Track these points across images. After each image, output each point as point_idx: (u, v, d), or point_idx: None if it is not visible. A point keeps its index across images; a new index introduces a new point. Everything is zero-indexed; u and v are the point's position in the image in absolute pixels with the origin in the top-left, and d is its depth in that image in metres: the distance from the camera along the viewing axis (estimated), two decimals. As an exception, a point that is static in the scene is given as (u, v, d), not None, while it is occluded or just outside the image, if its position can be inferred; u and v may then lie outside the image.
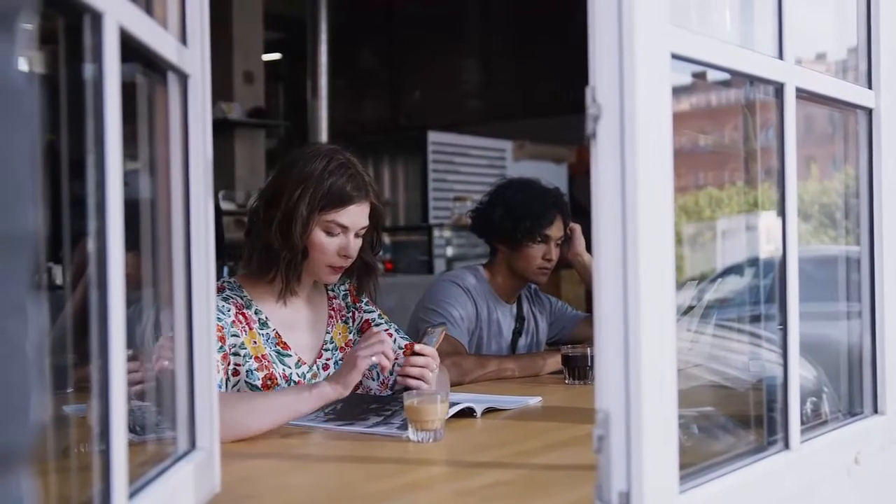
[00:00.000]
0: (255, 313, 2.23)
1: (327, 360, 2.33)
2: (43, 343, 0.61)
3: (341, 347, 2.37)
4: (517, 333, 3.16)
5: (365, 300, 2.45)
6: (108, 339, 1.02)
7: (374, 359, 2.01)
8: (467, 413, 2.13)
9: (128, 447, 1.06)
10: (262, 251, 2.22)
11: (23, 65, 0.59)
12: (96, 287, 1.02)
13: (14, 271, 0.58)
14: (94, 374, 1.03)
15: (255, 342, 2.19)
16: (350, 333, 2.40)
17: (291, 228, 2.17)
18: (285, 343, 2.25)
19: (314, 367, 2.29)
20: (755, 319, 1.92)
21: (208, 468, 1.41)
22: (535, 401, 2.37)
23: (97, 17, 1.01)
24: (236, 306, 2.19)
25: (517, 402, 2.32)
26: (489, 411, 2.20)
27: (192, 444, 1.39)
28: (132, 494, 1.11)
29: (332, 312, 2.39)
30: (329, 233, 2.21)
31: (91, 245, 1.02)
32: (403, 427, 1.92)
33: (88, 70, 1.03)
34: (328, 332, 2.36)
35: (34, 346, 0.60)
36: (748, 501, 1.43)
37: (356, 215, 2.23)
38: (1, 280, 0.57)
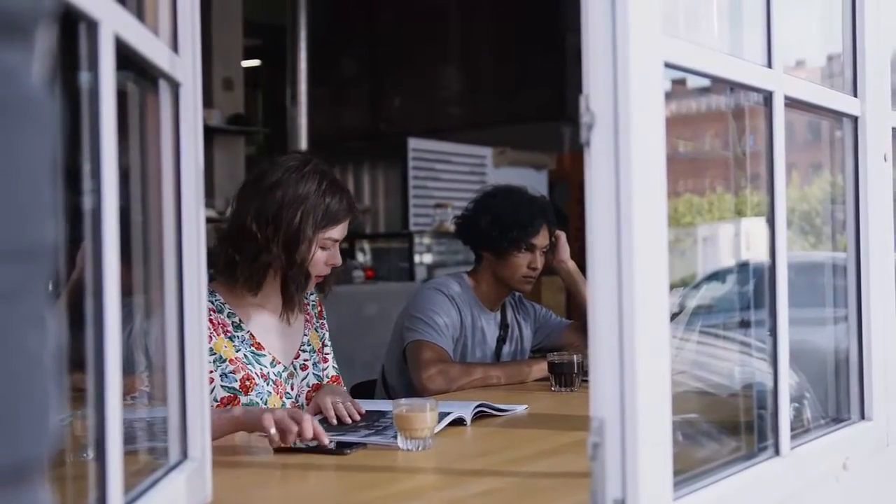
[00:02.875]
0: (229, 316, 2.30)
1: (305, 360, 2.42)
2: (61, 354, 0.61)
3: (317, 350, 2.47)
4: (501, 341, 3.16)
5: (324, 319, 2.56)
6: (104, 349, 1.01)
7: (272, 432, 1.83)
8: (456, 421, 2.12)
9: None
10: (262, 268, 2.27)
11: (40, 76, 0.59)
12: (92, 296, 1.01)
13: (33, 283, 0.58)
14: (90, 385, 1.02)
15: (225, 346, 2.25)
16: (320, 341, 2.50)
17: (297, 250, 2.26)
18: (260, 344, 2.31)
19: (290, 367, 2.37)
20: (739, 326, 1.93)
21: (200, 478, 1.40)
22: (521, 409, 2.37)
23: (93, 25, 1.00)
24: None
25: (506, 409, 2.31)
26: (479, 417, 2.20)
27: (184, 454, 1.38)
28: (126, 505, 1.10)
29: (308, 317, 2.48)
30: (323, 248, 2.31)
31: (87, 253, 1.01)
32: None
33: (83, 78, 1.02)
34: (305, 335, 2.44)
35: (52, 358, 0.60)
36: (740, 508, 1.43)
37: (345, 228, 2.36)
38: (20, 292, 0.57)
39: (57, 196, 0.61)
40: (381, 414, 2.20)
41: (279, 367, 2.34)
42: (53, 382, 0.60)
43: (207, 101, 7.11)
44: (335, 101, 10.03)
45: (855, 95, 1.86)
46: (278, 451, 1.89)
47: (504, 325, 3.18)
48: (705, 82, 1.59)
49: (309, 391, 2.39)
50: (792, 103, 1.61)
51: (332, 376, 2.49)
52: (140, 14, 1.26)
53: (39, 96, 0.58)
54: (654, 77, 1.22)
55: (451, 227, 3.27)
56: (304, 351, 2.43)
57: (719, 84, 1.61)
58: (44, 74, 0.60)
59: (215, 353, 2.22)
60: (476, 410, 2.20)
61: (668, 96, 1.53)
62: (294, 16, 8.15)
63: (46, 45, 0.61)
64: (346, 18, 9.99)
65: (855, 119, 1.86)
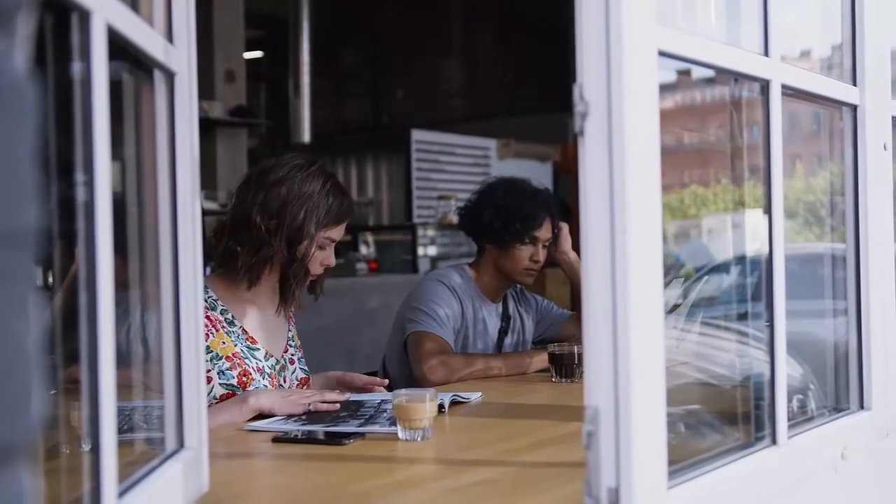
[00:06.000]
0: (221, 313, 2.32)
1: (292, 355, 2.47)
2: (43, 339, 0.61)
3: (299, 346, 2.52)
4: (503, 332, 3.16)
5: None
6: (98, 340, 1.01)
7: (311, 407, 2.15)
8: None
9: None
10: (263, 261, 2.30)
11: (22, 63, 0.59)
12: (85, 288, 1.01)
13: (15, 267, 0.58)
14: (84, 375, 1.02)
15: (223, 343, 2.28)
16: (298, 338, 2.55)
17: (298, 246, 2.30)
18: (253, 338, 2.35)
19: (282, 360, 2.42)
20: (741, 317, 1.93)
21: (197, 467, 1.41)
22: (476, 396, 2.40)
23: (85, 15, 1.00)
24: None
25: (467, 396, 2.35)
26: (454, 404, 2.25)
27: (181, 444, 1.38)
28: (121, 493, 1.10)
29: (291, 314, 2.52)
30: (321, 247, 2.35)
31: (80, 245, 1.01)
32: (393, 423, 1.92)
33: (76, 68, 1.02)
34: (290, 331, 2.50)
35: (35, 343, 0.60)
36: (736, 497, 1.43)
37: (343, 230, 2.41)
38: (3, 277, 0.57)
39: (39, 183, 0.61)
40: (360, 403, 2.23)
41: (272, 361, 2.37)
42: (36, 367, 0.60)
43: (209, 94, 7.12)
44: (338, 93, 10.03)
45: (854, 84, 1.85)
46: (276, 441, 1.90)
47: (506, 317, 3.18)
48: (711, 73, 1.59)
49: (298, 385, 2.42)
50: (790, 92, 1.61)
51: (302, 378, 2.50)
52: (134, 4, 1.26)
53: (20, 83, 0.59)
54: (647, 66, 1.22)
55: (454, 219, 3.27)
56: (290, 346, 2.48)
57: (724, 74, 1.61)
58: (25, 61, 0.60)
59: (212, 352, 2.24)
60: (451, 398, 2.25)
61: (674, 87, 1.53)
62: (296, 7, 8.15)
63: (27, 32, 0.62)
64: (349, 10, 9.99)
65: (854, 108, 1.85)
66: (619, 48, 1.17)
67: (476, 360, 2.86)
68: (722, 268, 2.43)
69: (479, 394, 2.43)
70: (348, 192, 2.43)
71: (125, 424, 1.37)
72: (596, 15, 1.18)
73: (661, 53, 1.25)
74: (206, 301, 2.29)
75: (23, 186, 0.58)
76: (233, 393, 2.23)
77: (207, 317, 2.26)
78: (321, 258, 2.36)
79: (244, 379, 2.26)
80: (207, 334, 2.23)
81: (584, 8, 1.18)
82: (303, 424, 2.03)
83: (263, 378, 2.31)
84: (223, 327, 2.30)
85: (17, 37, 0.58)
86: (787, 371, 1.59)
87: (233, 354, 2.28)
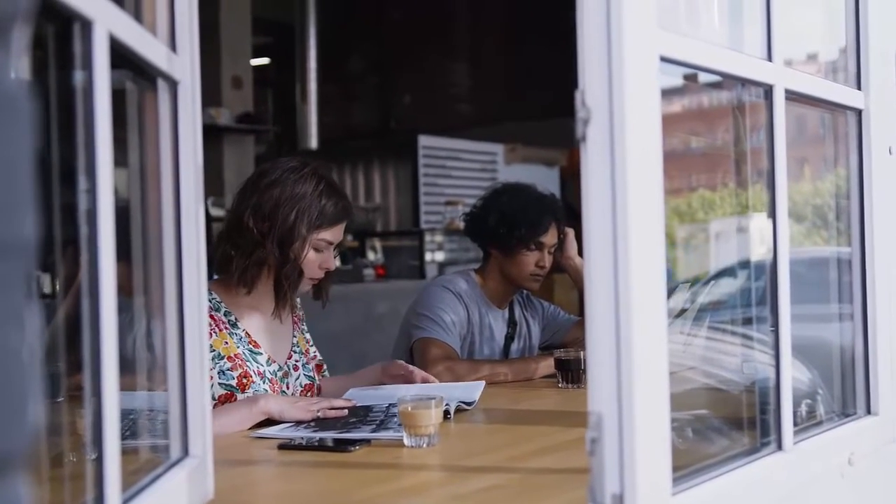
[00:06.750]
0: (225, 315, 2.33)
1: (296, 361, 2.46)
2: (39, 349, 0.61)
3: (305, 352, 2.51)
4: (509, 338, 3.16)
5: (304, 324, 2.59)
6: (100, 347, 1.02)
7: (319, 414, 2.14)
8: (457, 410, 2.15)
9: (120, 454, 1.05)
10: (256, 265, 2.30)
11: (19, 72, 0.60)
12: (88, 296, 1.02)
13: (12, 278, 0.59)
14: (87, 383, 1.02)
15: (226, 343, 2.29)
16: (307, 343, 2.54)
17: (291, 247, 2.29)
18: (256, 342, 2.35)
19: (285, 367, 2.41)
20: (748, 321, 1.93)
21: (201, 475, 1.41)
22: (479, 385, 2.43)
23: (87, 25, 1.01)
24: None
25: (469, 403, 2.33)
26: (459, 410, 2.25)
27: (185, 451, 1.38)
28: (125, 501, 1.11)
29: (296, 320, 2.52)
30: (317, 250, 2.35)
31: (83, 253, 1.02)
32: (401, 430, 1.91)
33: (78, 77, 1.03)
34: (294, 337, 2.49)
35: (30, 353, 0.60)
36: (742, 503, 1.43)
37: (341, 232, 2.39)
38: (0, 287, 0.58)
39: (36, 192, 0.62)
40: (369, 409, 2.22)
41: (274, 367, 2.37)
42: (33, 377, 0.60)
43: (216, 100, 7.12)
44: (345, 99, 10.03)
45: (859, 88, 1.85)
46: (282, 448, 1.90)
47: (512, 323, 3.18)
48: (717, 77, 1.58)
49: (302, 391, 2.42)
50: (794, 97, 1.61)
51: (306, 384, 2.49)
52: (138, 13, 1.27)
53: (17, 93, 0.59)
54: (649, 72, 1.22)
55: (461, 224, 3.27)
56: (294, 352, 2.47)
57: (728, 79, 1.60)
58: (21, 72, 0.60)
59: (214, 351, 2.24)
60: (457, 403, 2.25)
61: (680, 92, 1.53)
62: (303, 13, 8.16)
63: (24, 43, 0.62)
64: (355, 16, 9.99)
65: (859, 112, 1.85)
66: (620, 54, 1.17)
67: (482, 366, 2.85)
68: (729, 272, 2.43)
69: (483, 383, 2.44)
70: (344, 194, 2.41)
71: (128, 430, 1.37)
72: (597, 20, 1.18)
73: (663, 59, 1.25)
74: (210, 302, 2.29)
75: (20, 196, 0.58)
76: (232, 394, 2.23)
77: (211, 316, 2.27)
78: (319, 261, 2.35)
79: (244, 381, 2.26)
80: (210, 333, 2.23)
81: (585, 13, 1.19)
82: (313, 431, 2.03)
83: (264, 382, 2.30)
84: (226, 328, 2.30)
85: (13, 48, 0.58)
86: (795, 376, 1.59)
87: (235, 355, 2.28)
